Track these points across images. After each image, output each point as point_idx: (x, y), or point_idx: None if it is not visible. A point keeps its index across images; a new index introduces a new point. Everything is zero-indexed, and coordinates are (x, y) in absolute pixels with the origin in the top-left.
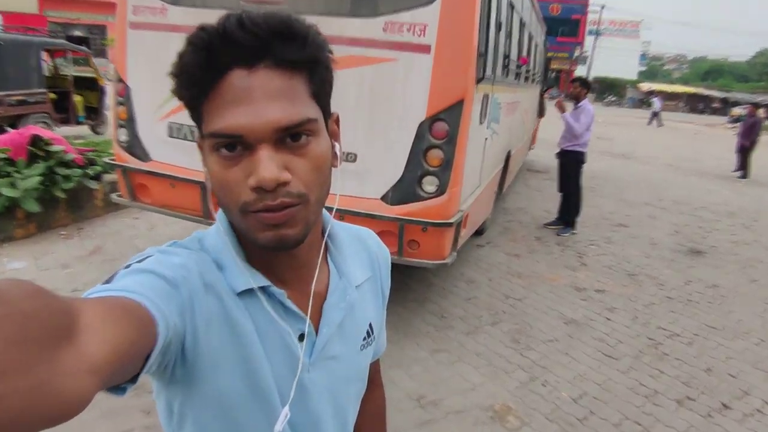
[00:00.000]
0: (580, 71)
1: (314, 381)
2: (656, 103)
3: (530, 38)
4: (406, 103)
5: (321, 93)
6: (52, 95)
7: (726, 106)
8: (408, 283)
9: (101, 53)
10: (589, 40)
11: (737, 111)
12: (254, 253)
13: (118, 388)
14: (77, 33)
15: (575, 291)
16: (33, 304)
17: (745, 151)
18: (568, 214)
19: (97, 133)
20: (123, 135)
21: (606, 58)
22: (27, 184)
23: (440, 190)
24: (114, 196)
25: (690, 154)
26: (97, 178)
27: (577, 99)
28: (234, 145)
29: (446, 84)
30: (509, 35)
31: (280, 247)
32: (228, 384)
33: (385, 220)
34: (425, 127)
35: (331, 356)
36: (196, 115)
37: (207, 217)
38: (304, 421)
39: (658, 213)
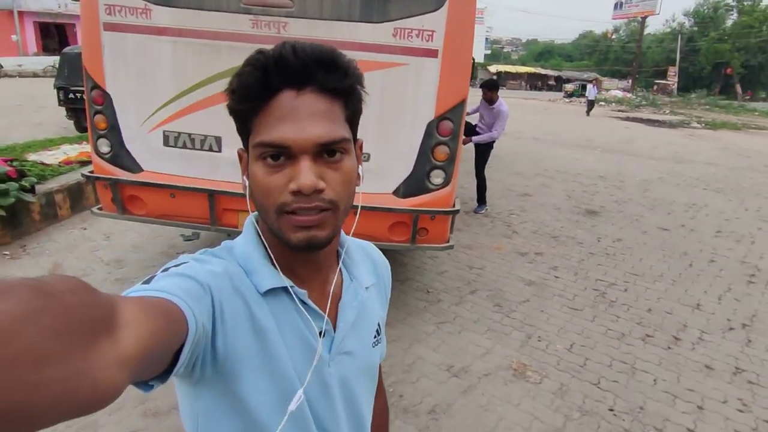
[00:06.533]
0: None
1: (332, 375)
2: (591, 90)
3: None
4: (417, 104)
5: (353, 119)
6: None
7: (559, 83)
8: None
9: None
10: None
11: (570, 87)
12: (279, 257)
13: (146, 384)
14: None
15: (520, 256)
16: (77, 298)
17: None
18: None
19: None
20: (104, 146)
21: None
22: None
23: (445, 182)
24: (94, 210)
25: (547, 127)
26: (32, 190)
27: (491, 101)
28: (279, 155)
29: (452, 85)
30: None
31: (310, 246)
32: (254, 382)
33: (399, 213)
34: (433, 126)
35: (347, 351)
36: (245, 128)
37: (214, 224)
38: (326, 413)
39: (548, 182)
